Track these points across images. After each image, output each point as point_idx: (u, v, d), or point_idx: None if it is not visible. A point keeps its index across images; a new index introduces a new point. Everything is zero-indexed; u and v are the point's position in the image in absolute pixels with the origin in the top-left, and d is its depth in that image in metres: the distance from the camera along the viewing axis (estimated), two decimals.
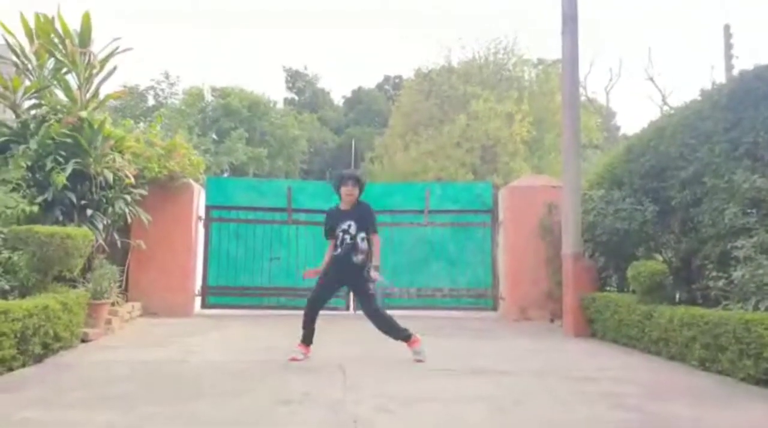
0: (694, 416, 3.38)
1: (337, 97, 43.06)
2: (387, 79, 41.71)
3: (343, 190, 5.28)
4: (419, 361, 4.98)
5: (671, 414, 3.41)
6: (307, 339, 5.16)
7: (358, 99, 40.28)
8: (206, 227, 9.07)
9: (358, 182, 5.33)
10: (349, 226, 5.18)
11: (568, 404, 3.69)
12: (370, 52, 56.85)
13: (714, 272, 5.46)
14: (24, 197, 5.83)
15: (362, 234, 5.19)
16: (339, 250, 5.19)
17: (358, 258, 5.14)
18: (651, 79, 26.54)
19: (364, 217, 5.25)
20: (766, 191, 5.07)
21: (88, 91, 7.34)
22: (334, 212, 5.38)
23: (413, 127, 24.69)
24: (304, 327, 5.16)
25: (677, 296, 6.04)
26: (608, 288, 7.62)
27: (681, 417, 3.34)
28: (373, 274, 5.13)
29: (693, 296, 6.04)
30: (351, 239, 5.16)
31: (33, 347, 4.46)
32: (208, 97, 28.52)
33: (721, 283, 5.27)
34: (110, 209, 6.94)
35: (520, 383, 4.33)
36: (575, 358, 5.62)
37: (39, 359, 4.61)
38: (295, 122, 31.37)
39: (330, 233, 5.32)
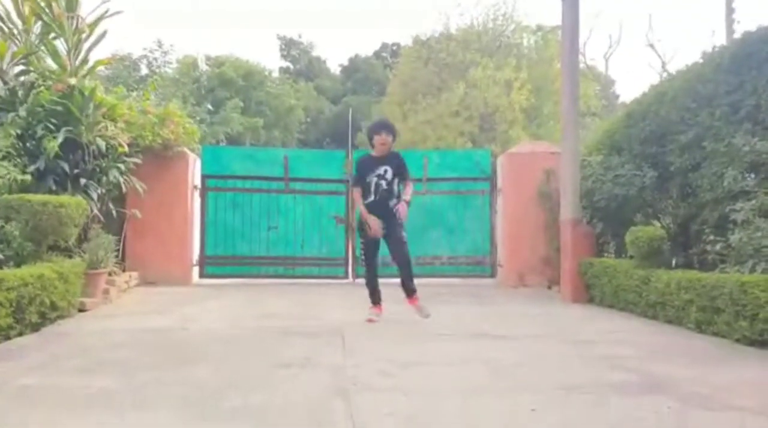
0: (690, 376, 3.41)
1: (334, 66, 42.55)
2: (384, 46, 41.11)
3: (377, 139, 5.29)
4: (427, 316, 5.18)
5: (669, 374, 3.43)
6: (375, 300, 5.34)
7: (355, 67, 39.78)
8: (202, 196, 9.01)
9: (392, 131, 5.35)
10: (386, 171, 5.21)
11: (568, 366, 3.71)
12: (367, 19, 55.98)
13: (712, 237, 5.46)
14: (15, 166, 5.75)
15: (396, 180, 5.24)
16: (374, 196, 5.21)
17: (393, 202, 5.19)
18: (651, 45, 26.21)
19: (399, 163, 5.28)
20: (766, 154, 5.02)
21: (77, 57, 7.18)
22: (367, 160, 5.38)
23: (411, 95, 24.43)
24: (371, 291, 5.34)
25: (674, 261, 6.05)
26: (606, 254, 7.63)
27: (678, 377, 3.36)
28: (402, 207, 5.13)
29: (690, 261, 6.05)
30: (387, 184, 5.19)
31: (30, 316, 4.45)
32: (203, 66, 28.10)
33: (718, 247, 5.26)
34: (104, 178, 6.86)
35: (519, 346, 4.35)
36: (574, 322, 5.65)
37: (36, 328, 4.61)
38: (292, 92, 31.02)
39: (359, 181, 5.32)
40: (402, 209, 5.15)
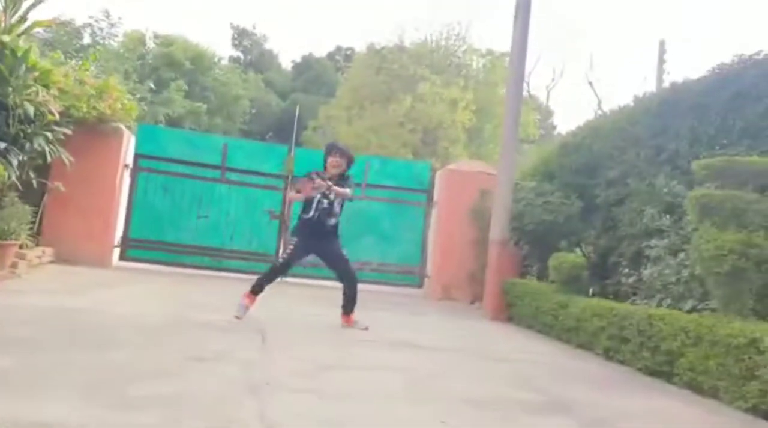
0: (591, 399, 3.58)
1: (286, 62, 42.00)
2: (339, 49, 41.03)
3: (330, 160, 5.21)
4: (365, 329, 5.15)
5: (572, 397, 3.59)
6: (258, 291, 5.06)
7: (307, 65, 39.43)
8: (133, 176, 8.67)
9: (345, 156, 5.26)
10: (330, 192, 5.09)
11: (479, 381, 3.82)
12: (323, 20, 55.77)
13: (627, 269, 5.78)
14: None
15: (339, 199, 5.17)
16: (313, 213, 5.10)
17: (332, 222, 5.15)
18: (590, 83, 27.46)
19: (344, 182, 5.19)
20: (682, 197, 5.37)
21: (13, 14, 6.76)
22: (318, 175, 5.23)
23: (360, 101, 24.54)
24: (259, 288, 5.06)
25: (591, 289, 6.36)
26: (529, 276, 7.91)
27: (582, 401, 3.52)
28: (338, 188, 5.02)
29: (606, 291, 6.37)
30: (329, 204, 5.11)
31: None
32: (150, 44, 27.08)
33: (631, 279, 5.58)
34: (27, 145, 6.47)
35: (437, 358, 4.44)
36: (491, 339, 5.82)
37: None
38: (239, 81, 30.38)
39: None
40: (337, 189, 5.04)
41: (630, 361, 4.72)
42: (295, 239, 5.26)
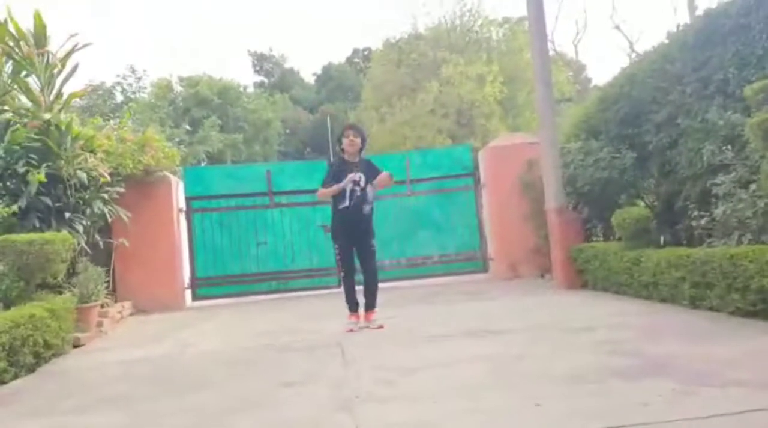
0: (689, 354, 3.45)
1: (307, 76, 42.54)
2: (356, 52, 41.18)
3: (345, 141, 5.30)
4: (381, 327, 5.20)
5: (668, 355, 3.46)
6: (353, 307, 5.35)
7: (328, 75, 39.80)
8: (188, 218, 8.96)
9: (359, 132, 5.40)
10: (360, 178, 5.19)
11: (568, 355, 3.74)
12: (336, 26, 56.00)
13: (696, 212, 5.53)
14: None
15: (370, 187, 5.25)
16: (348, 202, 5.17)
17: (367, 209, 5.22)
18: (617, 27, 26.58)
19: (372, 169, 5.27)
20: (741, 126, 5.09)
21: (51, 92, 7.12)
22: (341, 163, 5.36)
23: (386, 98, 24.51)
24: (348, 295, 5.36)
25: (662, 239, 6.12)
26: (594, 238, 7.69)
27: (677, 356, 3.40)
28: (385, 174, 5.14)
29: (678, 237, 6.13)
30: (361, 191, 5.19)
31: (23, 357, 4.38)
32: (177, 87, 28.00)
33: (703, 221, 5.34)
34: (88, 210, 6.80)
35: (517, 339, 4.37)
36: (569, 310, 5.69)
37: (32, 368, 4.54)
38: (268, 105, 30.95)
39: (330, 182, 5.28)
40: (371, 194, 5.24)
41: (720, 306, 4.52)
42: (337, 241, 5.36)
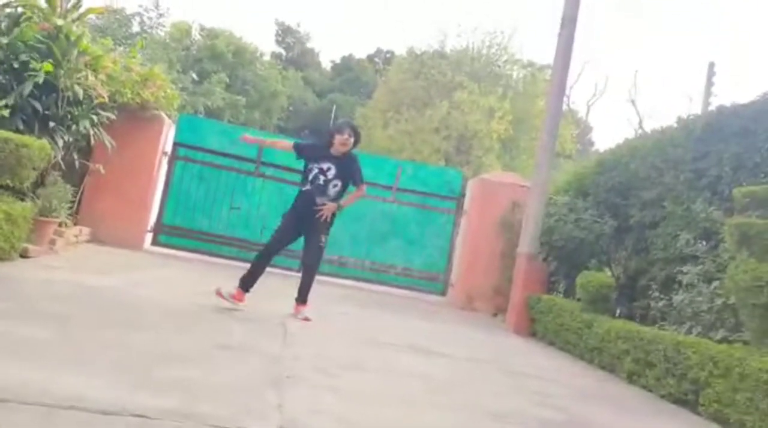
0: (612, 422, 3.53)
1: (325, 61, 42.44)
2: (379, 51, 41.27)
3: (338, 138, 4.98)
4: (307, 319, 4.90)
5: (592, 418, 3.54)
6: (248, 285, 4.90)
7: (346, 66, 39.77)
8: (170, 163, 8.86)
9: (355, 134, 5.08)
10: (329, 169, 4.94)
11: (499, 393, 3.79)
12: (366, 21, 56.04)
13: (657, 293, 5.66)
14: None
15: (337, 183, 4.99)
16: (309, 186, 4.98)
17: (322, 201, 4.97)
18: (632, 101, 27.05)
19: (351, 170, 5.03)
20: (720, 223, 5.24)
21: (69, 0, 6.99)
22: (320, 148, 5.12)
23: (397, 105, 24.62)
24: (251, 272, 4.91)
25: (618, 311, 6.25)
26: (555, 292, 7.80)
27: (601, 422, 3.47)
28: (329, 206, 4.94)
29: (633, 314, 6.25)
30: (325, 182, 4.95)
31: None
32: (196, 35, 27.70)
33: (661, 304, 5.46)
34: (74, 127, 6.67)
35: (457, 366, 4.43)
36: (513, 353, 5.77)
37: None
38: (279, 77, 30.80)
39: (298, 149, 5.15)
40: (327, 209, 4.93)
41: (654, 387, 4.62)
42: (284, 216, 5.10)
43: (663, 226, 6.07)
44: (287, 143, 5.35)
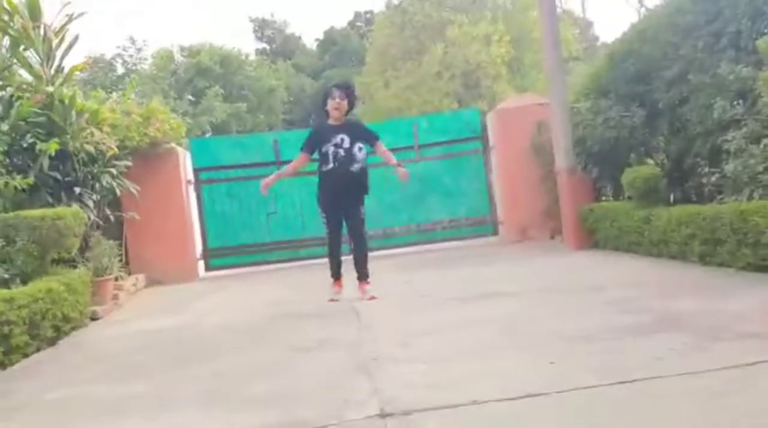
0: (701, 309, 3.47)
1: (310, 41, 41.88)
2: (358, 15, 40.42)
3: (330, 103, 4.85)
4: (373, 298, 4.99)
5: (679, 310, 3.49)
6: (337, 273, 5.20)
7: (331, 40, 39.17)
8: (197, 190, 8.98)
9: (347, 93, 4.92)
10: (342, 140, 4.81)
11: (579, 314, 3.77)
12: None
13: (706, 169, 5.49)
14: (6, 184, 5.70)
15: (358, 144, 4.87)
16: (333, 164, 4.84)
17: (356, 167, 4.86)
18: None
19: (358, 129, 4.95)
20: (752, 80, 4.99)
21: (51, 65, 7.06)
22: (322, 128, 5.00)
23: (391, 62, 24.16)
24: (332, 264, 5.17)
25: (672, 196, 6.09)
26: (604, 198, 7.67)
27: (689, 312, 3.42)
28: (401, 170, 4.96)
29: (688, 195, 6.10)
30: (345, 152, 4.81)
31: (44, 331, 4.47)
32: (178, 57, 27.70)
33: (714, 178, 5.30)
34: (97, 185, 6.83)
35: (529, 301, 4.41)
36: (580, 270, 5.72)
37: (52, 342, 4.63)
38: (271, 72, 30.63)
39: (310, 149, 4.99)
40: (402, 172, 4.95)
41: (730, 262, 4.53)
42: (323, 208, 5.04)
43: (694, 99, 5.82)
44: (298, 157, 5.14)
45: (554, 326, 3.53)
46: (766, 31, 4.81)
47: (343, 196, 4.96)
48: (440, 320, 4.07)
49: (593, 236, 6.95)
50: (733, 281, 4.20)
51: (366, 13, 38.94)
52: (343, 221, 5.11)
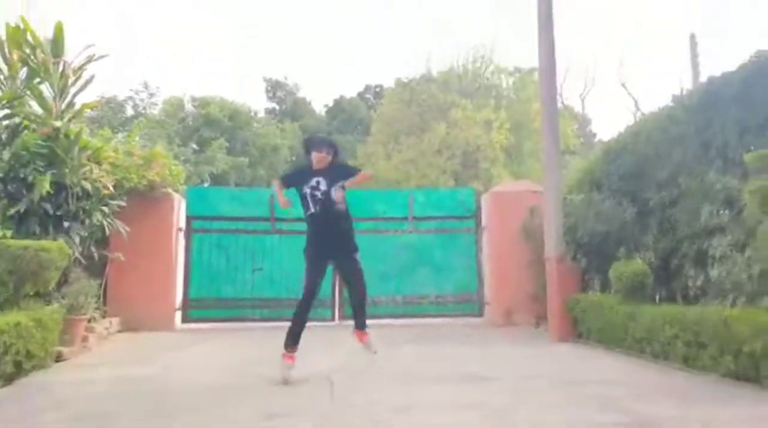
0: (681, 415, 3.40)
1: (319, 107, 42.97)
2: (368, 88, 41.76)
3: (315, 155, 4.71)
4: (375, 353, 4.85)
5: (659, 414, 3.42)
6: (293, 342, 4.60)
7: (339, 108, 40.25)
8: (187, 238, 8.95)
9: (333, 150, 4.78)
10: (318, 183, 4.64)
11: (558, 407, 3.69)
12: (350, 61, 56.99)
13: (692, 271, 5.53)
14: None
15: (335, 186, 4.66)
16: (313, 209, 4.64)
17: (340, 208, 4.67)
18: (623, 84, 26.98)
19: (341, 172, 4.75)
20: (738, 190, 5.13)
21: (63, 101, 7.22)
22: (303, 170, 4.84)
23: (394, 135, 24.78)
24: (293, 331, 4.61)
25: (657, 296, 6.11)
26: (591, 290, 7.66)
27: (668, 418, 3.35)
28: (339, 191, 4.63)
29: (673, 295, 6.11)
30: (323, 194, 4.62)
31: (4, 366, 4.29)
32: (189, 107, 28.32)
33: (699, 281, 5.33)
34: (87, 221, 6.81)
35: (510, 389, 4.31)
36: (562, 362, 5.63)
37: (10, 379, 4.43)
38: (277, 131, 31.27)
39: (285, 182, 4.87)
40: (338, 194, 4.61)
41: (712, 367, 4.48)
42: (308, 256, 4.67)
43: (683, 202, 5.96)
44: (276, 183, 4.96)
45: (533, 418, 3.44)
46: (752, 145, 4.99)
47: (332, 242, 4.71)
48: (418, 398, 3.96)
49: (577, 327, 6.90)
50: (714, 388, 4.13)
51: (376, 86, 40.29)
52: (321, 283, 4.80)
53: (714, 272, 4.94)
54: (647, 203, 6.58)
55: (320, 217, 4.65)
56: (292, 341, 4.61)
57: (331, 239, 4.69)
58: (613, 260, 6.53)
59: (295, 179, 4.90)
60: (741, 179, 5.06)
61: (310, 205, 4.68)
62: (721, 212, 5.26)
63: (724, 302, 4.80)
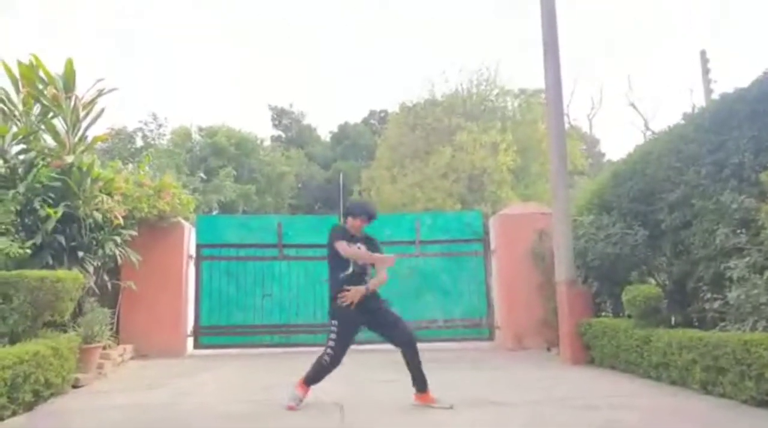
0: None
1: (324, 133, 43.41)
2: (372, 113, 42.15)
3: (353, 222, 4.88)
4: (450, 407, 4.46)
5: None
6: (314, 383, 4.62)
7: (344, 134, 40.60)
8: (197, 266, 8.98)
9: (372, 219, 4.96)
10: (359, 248, 4.80)
11: None
12: (354, 87, 57.64)
13: (709, 294, 5.48)
14: (13, 241, 5.74)
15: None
16: (352, 269, 4.72)
17: (366, 280, 4.76)
18: (632, 104, 27.02)
19: (371, 244, 4.92)
20: (755, 210, 5.11)
21: (75, 134, 7.34)
22: (346, 231, 4.90)
23: (399, 159, 24.93)
24: (321, 374, 4.59)
25: (673, 319, 6.04)
26: (603, 314, 7.60)
27: None
28: (358, 290, 4.63)
29: (689, 319, 6.04)
30: (361, 266, 4.77)
31: (23, 395, 4.33)
32: (196, 136, 28.67)
33: (716, 304, 5.27)
34: (100, 251, 6.86)
35: (521, 414, 4.27)
36: (574, 386, 5.56)
37: (29, 407, 4.47)
38: (283, 159, 31.54)
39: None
40: (351, 294, 4.61)
41: (732, 393, 4.41)
42: (340, 316, 4.60)
43: (697, 224, 5.92)
44: (342, 243, 4.80)
45: None
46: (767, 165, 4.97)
47: (365, 307, 4.67)
48: (428, 424, 3.91)
49: (590, 352, 6.82)
50: (734, 414, 4.06)
51: (380, 112, 40.65)
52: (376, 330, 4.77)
53: (732, 295, 4.88)
54: (659, 225, 6.54)
55: (358, 278, 4.71)
56: (314, 381, 4.62)
57: (369, 299, 4.70)
58: (625, 284, 6.47)
59: (347, 239, 4.88)
60: (758, 198, 5.03)
61: (350, 266, 4.73)
62: (738, 232, 5.21)
63: (743, 327, 4.74)
